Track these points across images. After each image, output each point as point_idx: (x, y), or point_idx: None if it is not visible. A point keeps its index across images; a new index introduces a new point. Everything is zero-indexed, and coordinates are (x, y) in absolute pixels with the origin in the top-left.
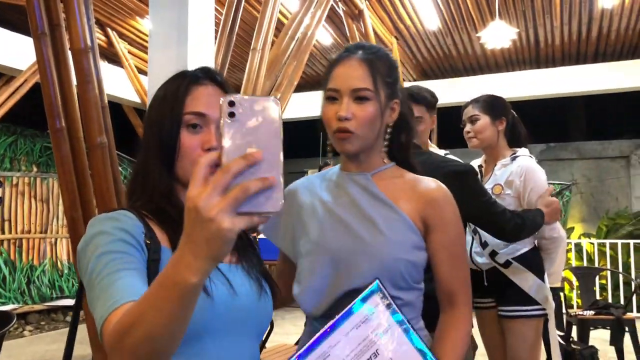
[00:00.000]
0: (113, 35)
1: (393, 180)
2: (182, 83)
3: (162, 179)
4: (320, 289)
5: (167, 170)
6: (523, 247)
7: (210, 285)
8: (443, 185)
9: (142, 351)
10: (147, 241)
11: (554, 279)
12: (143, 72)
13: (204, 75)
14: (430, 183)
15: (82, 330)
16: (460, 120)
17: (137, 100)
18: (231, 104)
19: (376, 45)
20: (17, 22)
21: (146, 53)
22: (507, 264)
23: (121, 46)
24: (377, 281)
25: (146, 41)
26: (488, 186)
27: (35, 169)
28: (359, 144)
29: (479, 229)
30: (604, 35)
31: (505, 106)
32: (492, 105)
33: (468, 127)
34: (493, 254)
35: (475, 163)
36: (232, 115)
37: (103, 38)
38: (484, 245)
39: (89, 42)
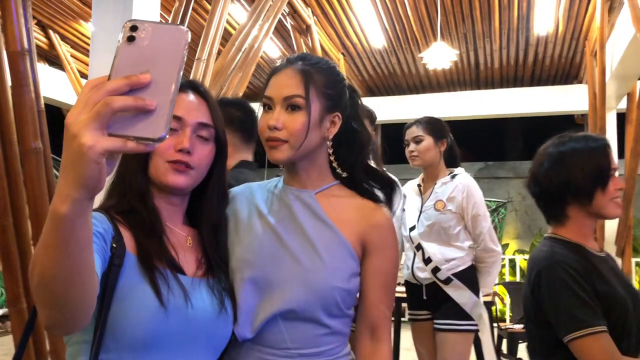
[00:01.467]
0: (55, 38)
1: (336, 199)
2: None
3: (137, 178)
4: (251, 310)
5: (142, 170)
6: (463, 264)
7: (167, 296)
8: (386, 210)
9: (42, 295)
10: (114, 244)
11: (487, 290)
12: (85, 76)
13: (187, 85)
14: (373, 206)
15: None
16: (402, 137)
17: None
18: (133, 28)
19: (320, 58)
20: None
21: (89, 57)
22: (447, 280)
23: (63, 49)
24: None
25: (89, 45)
26: (430, 203)
27: None
28: (289, 152)
29: (422, 245)
30: (539, 60)
31: (445, 128)
32: (435, 127)
33: (412, 147)
34: (435, 270)
35: (413, 182)
36: (131, 39)
37: (44, 40)
38: (426, 261)
39: (25, 45)
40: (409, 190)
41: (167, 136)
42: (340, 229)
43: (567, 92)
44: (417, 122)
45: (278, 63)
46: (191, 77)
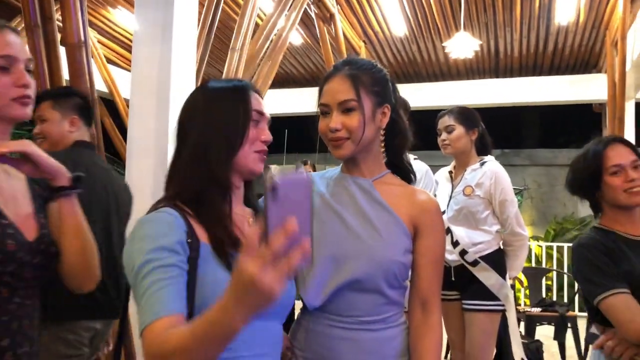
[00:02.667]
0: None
1: (390, 187)
2: (243, 94)
3: (221, 166)
4: (322, 282)
5: (228, 158)
6: (490, 247)
7: None
8: (434, 198)
9: None
10: (189, 240)
11: (515, 272)
12: (111, 62)
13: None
14: (423, 194)
15: None
16: (424, 123)
17: (104, 89)
18: (274, 188)
19: (363, 60)
20: None
21: (115, 43)
22: (475, 263)
23: (91, 35)
24: None
25: (116, 31)
26: (459, 188)
27: None
28: (352, 148)
29: (451, 228)
30: (559, 50)
31: (477, 118)
32: (466, 116)
33: (444, 136)
34: (463, 253)
35: (445, 169)
36: (274, 196)
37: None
38: (455, 244)
39: (82, 37)
40: (440, 177)
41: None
42: (395, 210)
43: (586, 81)
44: (450, 111)
45: (304, 54)
46: (226, 66)
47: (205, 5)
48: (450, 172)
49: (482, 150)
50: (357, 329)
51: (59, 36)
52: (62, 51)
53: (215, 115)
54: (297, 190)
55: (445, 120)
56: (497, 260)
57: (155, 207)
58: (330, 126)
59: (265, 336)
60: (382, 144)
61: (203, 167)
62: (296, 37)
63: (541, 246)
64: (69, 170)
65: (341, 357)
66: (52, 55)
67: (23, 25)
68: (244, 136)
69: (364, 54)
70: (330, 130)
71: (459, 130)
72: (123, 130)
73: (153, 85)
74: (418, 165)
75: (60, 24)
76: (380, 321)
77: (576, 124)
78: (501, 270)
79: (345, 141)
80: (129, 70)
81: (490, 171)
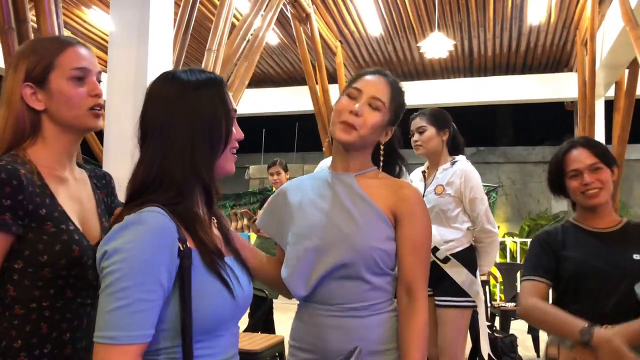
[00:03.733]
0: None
1: (372, 180)
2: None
3: (208, 166)
4: (306, 273)
5: (212, 158)
6: (461, 245)
7: (232, 286)
8: (414, 186)
9: None
10: (181, 247)
11: (487, 268)
12: None
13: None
14: (402, 183)
15: None
16: (399, 123)
17: None
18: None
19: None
20: None
21: (90, 43)
22: (446, 260)
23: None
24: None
25: (90, 32)
26: (431, 188)
27: None
28: (355, 140)
29: None
30: (531, 49)
31: (448, 119)
32: (437, 117)
33: (416, 137)
34: (434, 250)
35: (419, 170)
36: None
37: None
38: None
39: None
40: (414, 177)
41: None
42: (375, 202)
43: (558, 79)
44: (421, 113)
45: (281, 54)
46: (202, 66)
47: (181, 5)
48: (424, 172)
49: (454, 150)
50: (344, 316)
51: (32, 37)
52: None
53: (197, 110)
54: None
55: (417, 122)
56: (468, 257)
57: (139, 206)
58: (353, 107)
59: (236, 335)
60: (382, 157)
61: (188, 167)
62: (272, 37)
63: (516, 242)
64: None
65: (330, 344)
66: None
67: None
68: (229, 136)
69: (340, 53)
70: (352, 111)
71: (430, 131)
72: (98, 132)
73: (129, 86)
74: None
75: (35, 25)
76: (366, 308)
77: (549, 121)
78: (472, 267)
79: (353, 130)
80: (104, 71)
81: (460, 170)
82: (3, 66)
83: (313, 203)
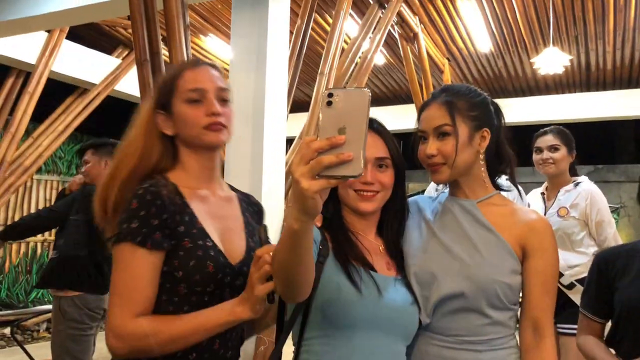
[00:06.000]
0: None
1: (496, 207)
2: None
3: (328, 204)
4: (422, 300)
5: (332, 198)
6: (587, 270)
7: (360, 285)
8: (543, 216)
9: (280, 276)
10: (320, 247)
11: None
12: None
13: None
14: (530, 213)
15: None
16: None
17: None
18: (329, 95)
19: (461, 85)
20: (91, 39)
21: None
22: (571, 286)
23: None
24: None
25: (207, 57)
26: (553, 210)
27: None
28: (448, 172)
29: None
30: None
31: (573, 140)
32: (569, 137)
33: (547, 155)
34: (559, 276)
35: (537, 190)
36: (329, 103)
37: (166, 53)
38: None
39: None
40: (533, 198)
41: (363, 173)
42: (500, 232)
43: None
44: (551, 130)
45: (386, 73)
46: (314, 90)
47: (294, 32)
48: (543, 194)
49: (572, 171)
50: (459, 348)
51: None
52: None
53: None
54: (353, 100)
55: (550, 139)
56: None
57: None
58: (427, 152)
59: (384, 350)
60: (482, 167)
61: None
62: (379, 57)
63: None
64: None
65: None
66: None
67: (133, 57)
68: None
69: (447, 71)
70: (427, 156)
71: (563, 150)
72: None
73: (249, 109)
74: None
75: (167, 58)
76: (483, 342)
77: None
78: None
79: (441, 166)
80: None
81: (585, 191)
82: (139, 96)
83: (431, 229)
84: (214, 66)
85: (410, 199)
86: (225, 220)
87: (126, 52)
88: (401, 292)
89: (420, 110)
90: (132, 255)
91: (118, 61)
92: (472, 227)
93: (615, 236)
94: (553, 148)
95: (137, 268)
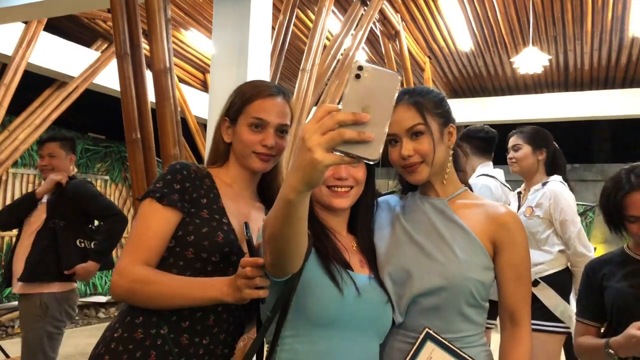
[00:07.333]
0: None
1: (466, 204)
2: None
3: None
4: (394, 299)
5: None
6: (552, 268)
7: (342, 285)
8: (512, 210)
9: (270, 246)
10: None
11: None
12: (183, 81)
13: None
14: (499, 208)
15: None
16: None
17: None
18: (360, 68)
19: (419, 87)
20: (69, 31)
21: (187, 63)
22: (535, 283)
23: None
24: (427, 330)
25: (187, 52)
26: (522, 210)
27: (75, 170)
28: (427, 170)
29: None
30: (633, 62)
31: (546, 139)
32: (534, 136)
33: (511, 154)
34: None
35: (517, 190)
36: (358, 76)
37: (146, 46)
38: None
39: (167, 64)
40: (512, 197)
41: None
42: (471, 228)
43: None
44: (519, 131)
45: None
46: (296, 86)
47: (277, 28)
48: (519, 193)
49: (555, 171)
50: None
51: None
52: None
53: None
54: (383, 81)
55: (514, 139)
56: (559, 281)
57: None
58: (403, 153)
59: (360, 348)
60: (449, 162)
61: None
62: (361, 54)
63: None
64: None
65: None
66: (139, 80)
67: (112, 50)
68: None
69: (428, 69)
70: (403, 157)
71: (526, 149)
72: (193, 147)
73: None
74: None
75: (147, 52)
76: (456, 340)
77: None
78: (564, 291)
79: (419, 165)
80: (198, 89)
81: (549, 191)
82: (119, 89)
83: (403, 227)
84: (285, 95)
85: (380, 198)
86: (247, 217)
87: (105, 45)
88: (377, 290)
89: None
90: (150, 209)
91: (97, 54)
92: (445, 225)
93: (579, 235)
94: (515, 147)
95: (150, 221)
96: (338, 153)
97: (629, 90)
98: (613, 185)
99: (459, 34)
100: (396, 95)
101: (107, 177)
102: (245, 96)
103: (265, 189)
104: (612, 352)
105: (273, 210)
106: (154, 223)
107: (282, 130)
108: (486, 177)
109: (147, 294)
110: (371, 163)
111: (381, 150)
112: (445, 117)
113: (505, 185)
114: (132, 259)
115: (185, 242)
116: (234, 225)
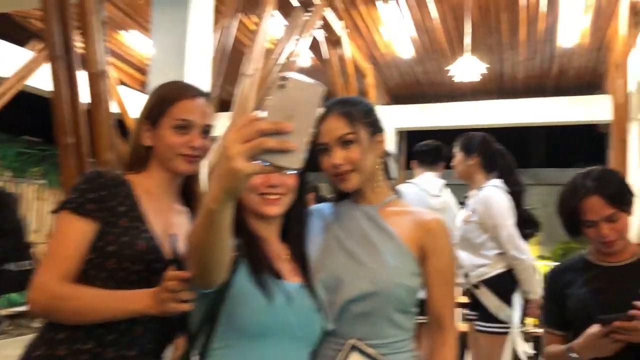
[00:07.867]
0: None
1: (396, 211)
2: None
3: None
4: (326, 305)
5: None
6: (492, 271)
7: (271, 294)
8: (438, 216)
9: (193, 257)
10: None
11: (531, 294)
12: (122, 83)
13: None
14: (425, 214)
15: None
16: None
17: (115, 110)
18: (283, 78)
19: (350, 97)
20: (1, 30)
21: (127, 65)
22: (477, 286)
23: None
24: (354, 342)
25: (127, 53)
26: (464, 215)
27: (9, 174)
28: (358, 178)
29: (457, 253)
30: (563, 71)
31: (478, 144)
32: (464, 143)
33: (452, 162)
34: (466, 276)
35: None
36: (281, 86)
37: (83, 45)
38: (459, 267)
39: (103, 67)
40: (453, 204)
41: (301, 168)
42: (400, 235)
43: (590, 102)
44: (458, 139)
45: (313, 76)
46: (239, 92)
47: (221, 31)
48: (465, 197)
49: (498, 174)
50: None
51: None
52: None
53: None
54: (306, 92)
55: (454, 148)
56: (499, 284)
57: None
58: (334, 162)
59: (285, 358)
60: (378, 169)
61: None
62: (305, 59)
63: (549, 266)
64: None
65: None
66: (73, 83)
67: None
68: None
69: (370, 75)
70: (334, 166)
71: (459, 156)
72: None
73: None
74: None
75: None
76: (385, 345)
77: (582, 143)
78: (504, 293)
79: (350, 174)
80: (136, 90)
81: (483, 196)
82: (53, 90)
83: (334, 234)
84: (206, 96)
85: (314, 206)
86: (171, 225)
87: (41, 45)
88: (307, 299)
89: (318, 124)
90: (65, 221)
91: (31, 54)
92: (375, 233)
93: (510, 239)
94: (453, 155)
95: (66, 232)
96: (260, 162)
97: (560, 98)
98: (569, 190)
99: (400, 41)
100: (319, 104)
101: (43, 181)
102: (168, 98)
103: (188, 192)
104: (576, 355)
105: (196, 221)
106: (71, 235)
107: (206, 131)
108: (408, 185)
109: (68, 310)
110: (293, 172)
111: (303, 160)
112: (374, 127)
113: (426, 191)
114: (51, 274)
115: (107, 253)
116: (156, 232)
